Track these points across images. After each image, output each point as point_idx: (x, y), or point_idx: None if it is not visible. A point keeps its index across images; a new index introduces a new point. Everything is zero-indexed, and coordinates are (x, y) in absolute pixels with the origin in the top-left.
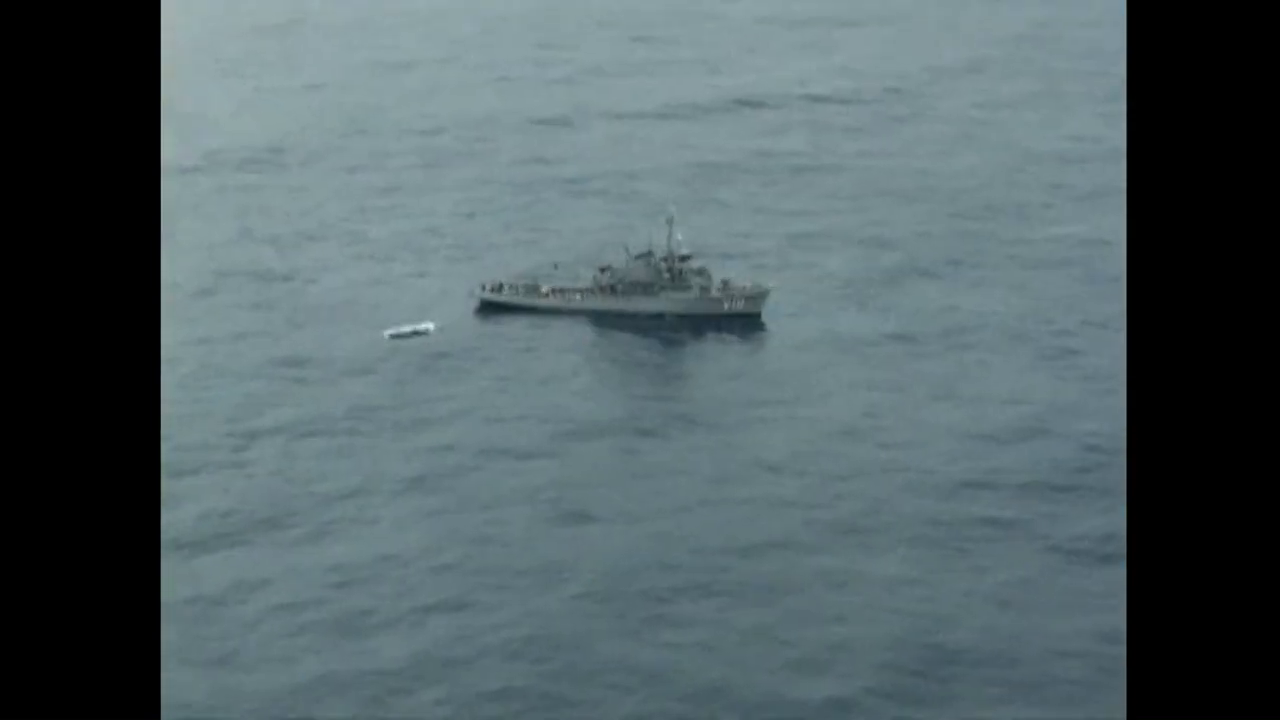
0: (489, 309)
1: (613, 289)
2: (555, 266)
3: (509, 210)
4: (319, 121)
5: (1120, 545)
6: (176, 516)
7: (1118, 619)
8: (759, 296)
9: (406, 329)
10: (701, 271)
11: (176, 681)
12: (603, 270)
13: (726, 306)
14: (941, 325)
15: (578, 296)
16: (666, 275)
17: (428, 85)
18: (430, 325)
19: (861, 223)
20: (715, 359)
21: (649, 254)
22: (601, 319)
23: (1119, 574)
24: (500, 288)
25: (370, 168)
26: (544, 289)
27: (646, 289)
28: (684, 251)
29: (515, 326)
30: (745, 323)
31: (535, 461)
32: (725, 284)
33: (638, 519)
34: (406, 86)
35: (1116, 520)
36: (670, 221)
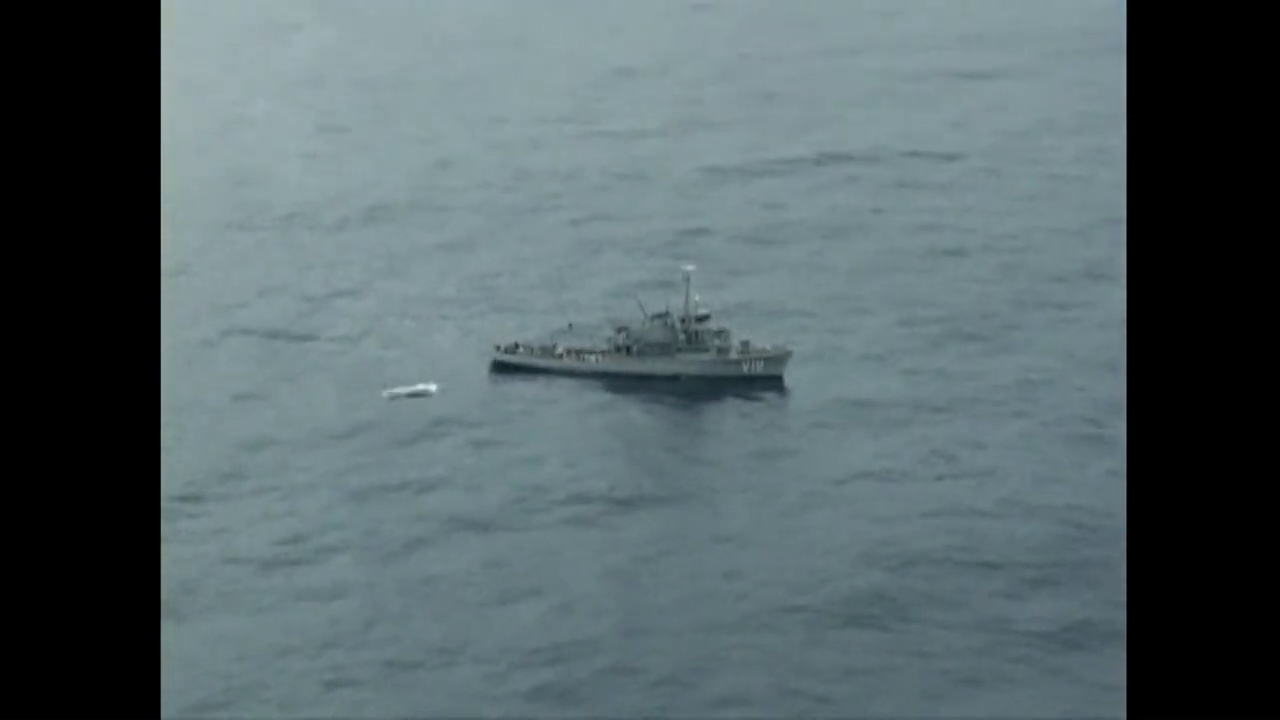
0: (502, 370)
1: (628, 350)
2: (570, 326)
3: (552, 269)
4: (391, 177)
5: (1072, 630)
6: None
7: (1049, 710)
8: (780, 358)
9: (406, 390)
10: (721, 333)
11: None
12: (619, 331)
13: (745, 369)
14: (966, 391)
15: (593, 358)
16: (682, 336)
17: (518, 139)
18: (433, 386)
19: (918, 283)
20: (720, 425)
21: (665, 314)
22: (615, 381)
23: (1062, 660)
24: (515, 348)
25: (428, 224)
26: (559, 350)
27: (663, 350)
28: (701, 312)
29: (523, 389)
30: (765, 385)
31: (491, 534)
32: (745, 345)
33: (571, 597)
34: (496, 140)
35: (1074, 604)
36: (688, 281)
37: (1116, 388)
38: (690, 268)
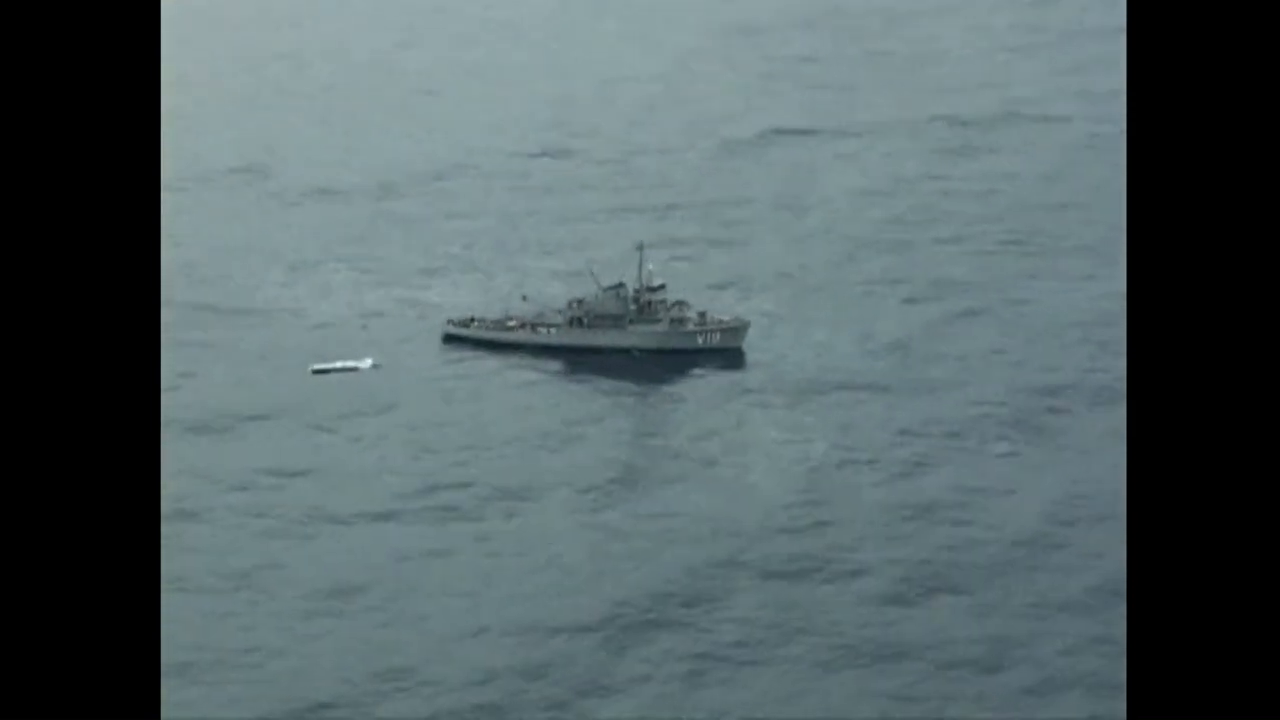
0: (454, 343)
1: (580, 322)
2: (524, 298)
3: (549, 239)
4: (440, 140)
5: (887, 641)
6: None
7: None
8: (738, 330)
9: (336, 365)
10: (678, 304)
11: None
12: (574, 303)
13: (701, 341)
14: (921, 369)
15: (545, 331)
16: (634, 307)
17: (594, 99)
18: (367, 362)
19: (934, 252)
20: (646, 403)
21: (620, 285)
22: (564, 356)
23: (860, 676)
24: (469, 322)
25: (444, 194)
26: (511, 322)
27: (616, 322)
28: (656, 282)
29: (460, 366)
30: (721, 359)
31: (343, 530)
32: (702, 316)
33: (373, 598)
34: (569, 96)
35: (901, 614)
36: (640, 251)
37: (1086, 366)
38: (643, 238)
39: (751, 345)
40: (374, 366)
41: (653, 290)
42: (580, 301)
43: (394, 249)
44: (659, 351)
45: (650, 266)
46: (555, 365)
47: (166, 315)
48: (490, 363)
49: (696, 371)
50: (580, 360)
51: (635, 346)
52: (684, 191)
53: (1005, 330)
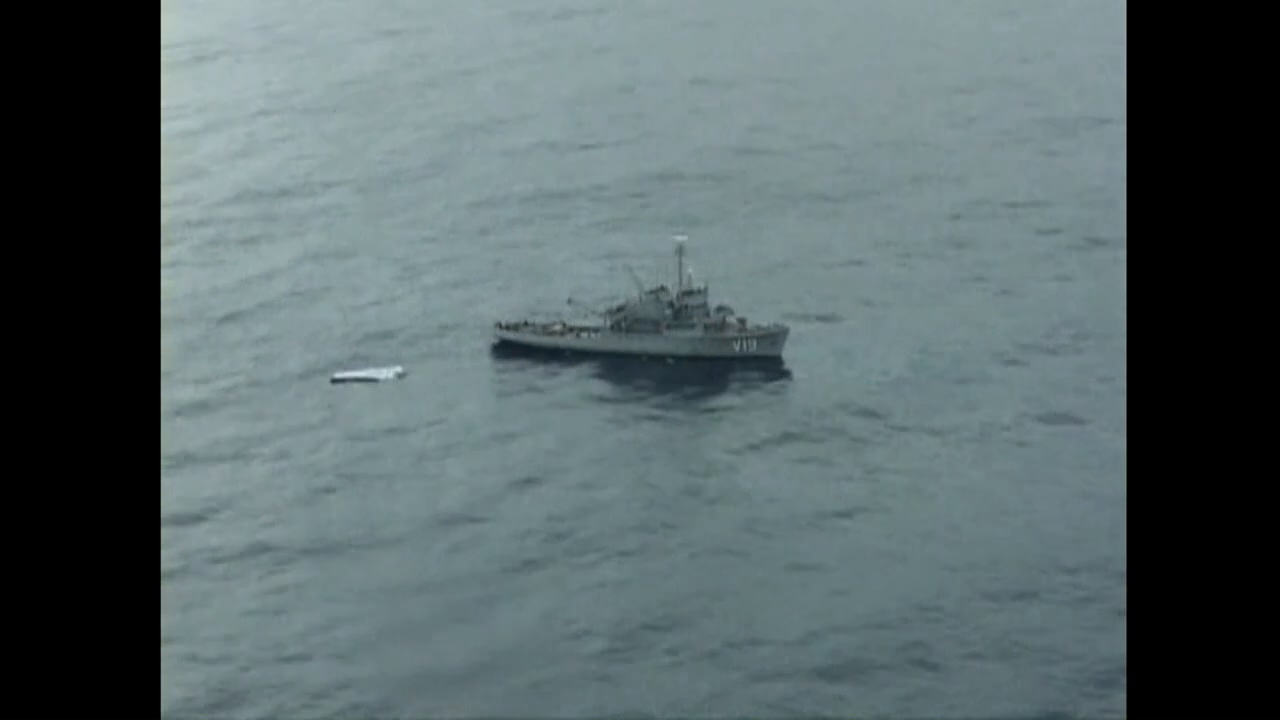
0: (503, 348)
1: (620, 326)
2: (569, 301)
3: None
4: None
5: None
6: None
7: None
8: (776, 337)
9: (355, 375)
10: (720, 309)
11: None
12: (615, 308)
13: (738, 348)
14: (950, 399)
15: (587, 335)
16: (669, 312)
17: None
18: (389, 372)
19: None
20: (613, 428)
21: (661, 289)
22: (604, 361)
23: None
24: (519, 326)
25: (625, 202)
26: (556, 326)
27: (654, 327)
28: (694, 285)
29: (481, 375)
30: (757, 367)
31: (206, 569)
32: (741, 322)
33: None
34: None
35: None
36: (680, 252)
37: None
38: (682, 238)
39: (790, 354)
40: (398, 376)
41: (689, 294)
42: (621, 306)
43: (517, 256)
44: (694, 359)
45: (690, 270)
46: (577, 374)
47: (218, 313)
48: (513, 372)
49: (713, 386)
50: (616, 367)
51: (670, 353)
52: (847, 190)
53: (1046, 341)
